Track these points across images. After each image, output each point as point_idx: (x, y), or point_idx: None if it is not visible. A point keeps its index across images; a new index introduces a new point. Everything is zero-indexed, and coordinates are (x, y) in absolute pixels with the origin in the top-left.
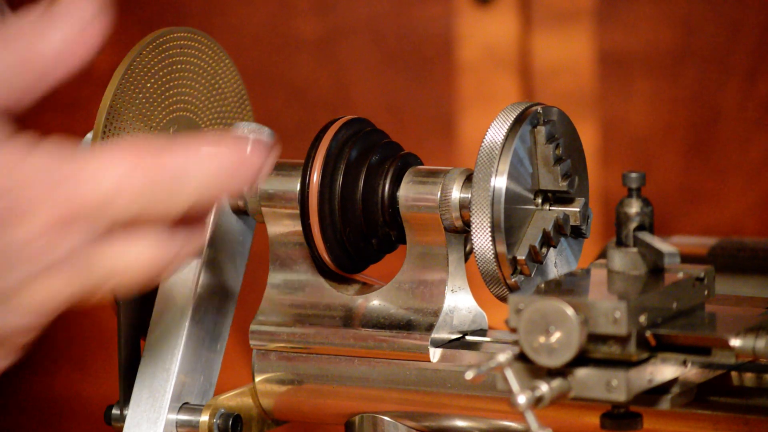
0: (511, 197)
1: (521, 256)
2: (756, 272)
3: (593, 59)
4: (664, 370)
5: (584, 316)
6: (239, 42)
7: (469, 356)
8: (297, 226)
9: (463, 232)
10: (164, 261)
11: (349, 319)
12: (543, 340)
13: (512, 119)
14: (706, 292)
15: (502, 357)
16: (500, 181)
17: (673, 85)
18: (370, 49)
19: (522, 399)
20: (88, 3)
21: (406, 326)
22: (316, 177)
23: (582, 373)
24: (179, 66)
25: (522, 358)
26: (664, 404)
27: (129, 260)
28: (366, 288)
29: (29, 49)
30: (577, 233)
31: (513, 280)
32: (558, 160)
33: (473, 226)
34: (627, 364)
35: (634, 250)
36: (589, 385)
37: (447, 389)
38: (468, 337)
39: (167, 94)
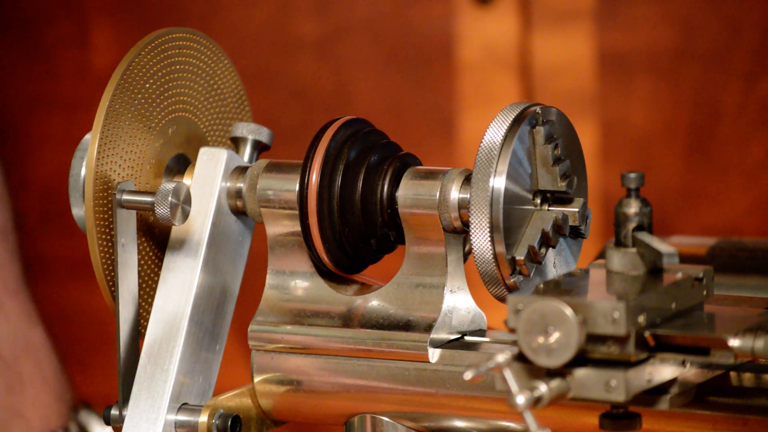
0: (510, 197)
1: (520, 257)
2: (755, 272)
3: (593, 59)
4: (663, 371)
5: (583, 317)
6: (239, 42)
7: (468, 356)
8: (296, 227)
9: (462, 232)
10: None
11: (348, 319)
12: (542, 341)
13: (511, 119)
14: (704, 292)
15: (501, 357)
16: (499, 182)
17: (673, 85)
18: (370, 49)
19: (521, 399)
20: None
21: (405, 326)
22: (314, 177)
23: (581, 373)
24: (178, 66)
25: (521, 358)
26: (663, 404)
27: None
28: (365, 288)
29: None
30: (576, 233)
31: (512, 280)
32: (557, 161)
33: (472, 226)
34: (626, 364)
35: (633, 250)
36: (587, 385)
37: (446, 389)
38: (467, 338)
39: (166, 94)
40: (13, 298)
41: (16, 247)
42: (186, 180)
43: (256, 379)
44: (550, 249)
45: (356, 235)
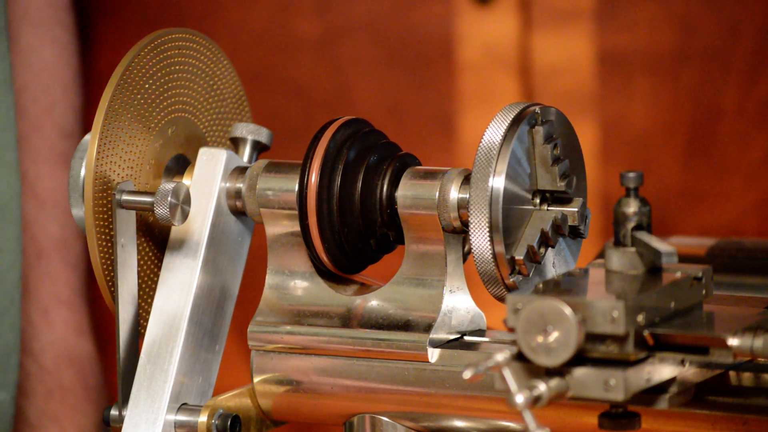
0: (509, 197)
1: (519, 256)
2: (754, 272)
3: (593, 59)
4: (662, 370)
5: (582, 316)
6: (239, 42)
7: (467, 356)
8: (295, 227)
9: (461, 232)
10: None
11: (347, 319)
12: (541, 340)
13: (510, 119)
14: (703, 292)
15: (500, 356)
16: (498, 182)
17: (673, 85)
18: (370, 49)
19: (520, 398)
20: None
21: (404, 326)
22: (314, 178)
23: (580, 372)
24: (177, 67)
25: (520, 357)
26: (662, 404)
27: None
28: (364, 288)
29: None
30: (575, 233)
31: (511, 280)
32: (556, 160)
33: (471, 226)
34: (625, 363)
35: (632, 249)
36: (587, 384)
37: (445, 389)
38: (466, 338)
39: (166, 95)
40: (65, 308)
41: (78, 259)
42: (185, 180)
43: (256, 380)
44: (550, 249)
45: (355, 235)
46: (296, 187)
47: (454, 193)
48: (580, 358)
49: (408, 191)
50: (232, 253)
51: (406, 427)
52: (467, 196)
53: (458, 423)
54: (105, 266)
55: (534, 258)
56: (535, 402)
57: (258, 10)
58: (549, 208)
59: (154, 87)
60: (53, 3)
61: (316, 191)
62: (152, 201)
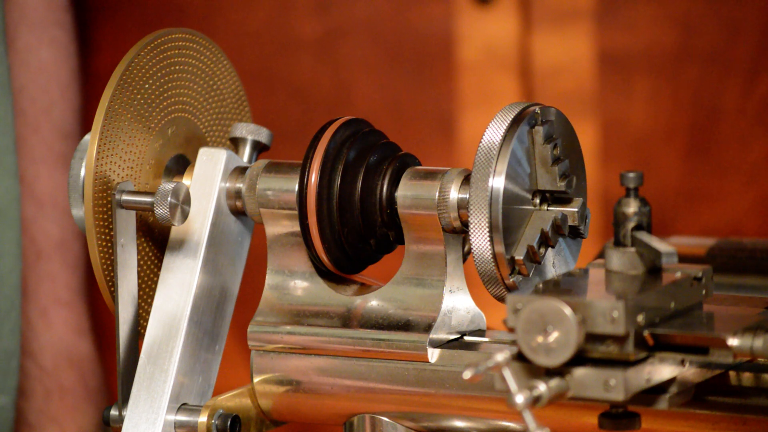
0: (509, 197)
1: (519, 257)
2: (754, 272)
3: (593, 59)
4: (662, 370)
5: (582, 316)
6: (239, 42)
7: (467, 356)
8: (295, 227)
9: (461, 232)
10: None
11: (347, 319)
12: (541, 340)
13: (510, 119)
14: (703, 292)
15: (500, 356)
16: (498, 182)
17: (673, 85)
18: (370, 49)
19: (520, 398)
20: None
21: (404, 327)
22: (314, 178)
23: (580, 372)
24: (177, 67)
25: (520, 357)
26: (662, 404)
27: None
28: (364, 288)
29: None
30: (575, 233)
31: (511, 280)
32: (556, 161)
33: (471, 226)
34: (625, 363)
35: (632, 249)
36: (587, 384)
37: (445, 389)
38: (466, 338)
39: (166, 95)
40: (64, 309)
41: (78, 259)
42: (185, 180)
43: (256, 380)
44: (550, 249)
45: (355, 236)
46: (296, 187)
47: (454, 193)
48: (580, 358)
49: (408, 191)
50: (232, 253)
51: (406, 427)
52: (467, 196)
53: (458, 423)
54: (105, 266)
55: (534, 258)
56: (535, 402)
57: (258, 10)
58: (549, 208)
59: (154, 87)
60: (51, 3)
61: (316, 191)
62: (152, 201)
